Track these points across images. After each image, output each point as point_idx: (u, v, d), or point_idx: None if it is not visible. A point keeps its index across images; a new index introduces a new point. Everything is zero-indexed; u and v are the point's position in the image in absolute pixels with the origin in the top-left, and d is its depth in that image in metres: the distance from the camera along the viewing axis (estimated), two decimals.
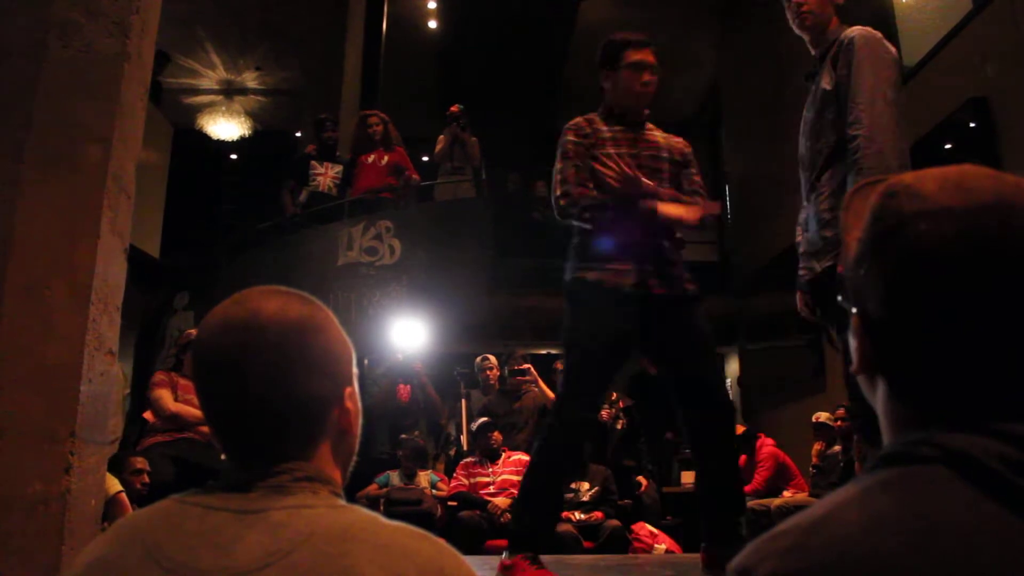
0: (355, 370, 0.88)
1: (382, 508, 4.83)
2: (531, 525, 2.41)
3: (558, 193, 2.54)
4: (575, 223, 2.54)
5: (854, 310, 0.66)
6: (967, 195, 0.59)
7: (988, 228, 0.57)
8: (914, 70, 5.51)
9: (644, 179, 2.44)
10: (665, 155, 2.61)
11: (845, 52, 2.17)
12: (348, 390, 0.85)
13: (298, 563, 0.68)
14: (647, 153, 2.59)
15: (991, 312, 0.56)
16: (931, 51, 5.38)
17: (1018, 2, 4.50)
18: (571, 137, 2.60)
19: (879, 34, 2.20)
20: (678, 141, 2.70)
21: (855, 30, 2.21)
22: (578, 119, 2.66)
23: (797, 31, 2.36)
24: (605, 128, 2.60)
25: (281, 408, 0.79)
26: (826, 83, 2.22)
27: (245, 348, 0.78)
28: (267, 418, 0.79)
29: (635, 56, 2.56)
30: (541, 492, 2.45)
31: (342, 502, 0.78)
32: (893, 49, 2.20)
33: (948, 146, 5.02)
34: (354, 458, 0.89)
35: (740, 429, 5.91)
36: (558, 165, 2.58)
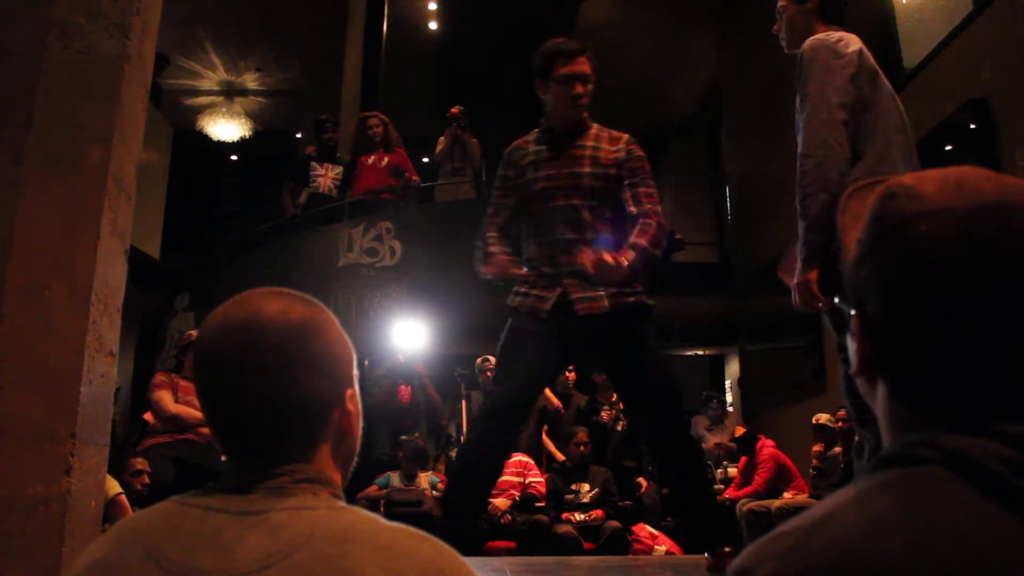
0: (356, 372, 0.88)
1: (382, 509, 4.83)
2: (457, 510, 2.43)
3: (478, 250, 2.59)
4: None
5: (853, 311, 0.66)
6: (968, 196, 0.59)
7: (989, 229, 0.57)
8: (914, 71, 5.52)
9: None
10: (587, 171, 2.50)
11: (798, 67, 2.16)
12: (349, 391, 0.85)
13: (298, 564, 0.68)
14: (566, 171, 2.51)
15: (991, 312, 0.56)
16: (931, 52, 5.38)
17: (1018, 3, 4.50)
18: (500, 172, 2.66)
19: (832, 37, 2.14)
20: (613, 151, 2.54)
21: (807, 42, 2.16)
22: (516, 142, 2.67)
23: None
24: (532, 149, 2.59)
25: (282, 409, 0.79)
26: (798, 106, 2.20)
27: (246, 349, 0.78)
28: (268, 419, 0.79)
29: (566, 67, 2.50)
30: (467, 472, 2.47)
31: (342, 503, 0.78)
32: (848, 49, 2.11)
33: (948, 147, 5.02)
34: (354, 460, 0.89)
35: (740, 431, 5.92)
36: (489, 210, 2.64)
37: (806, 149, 2.04)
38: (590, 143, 2.55)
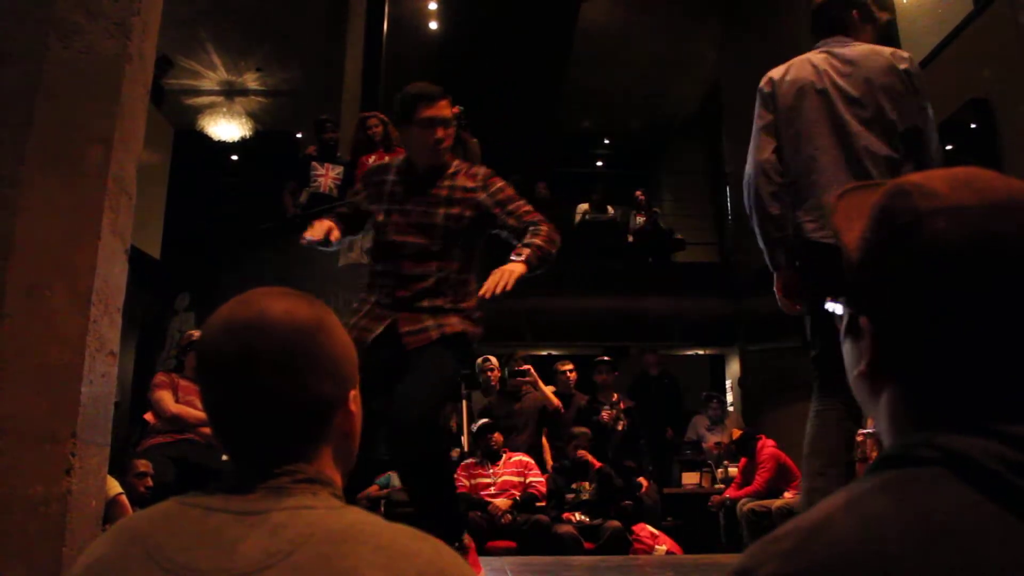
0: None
1: (383, 509, 4.82)
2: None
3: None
4: None
5: (855, 313, 0.66)
6: (980, 194, 0.59)
7: (1006, 225, 0.57)
8: None
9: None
10: (441, 211, 2.51)
11: None
12: (352, 393, 0.85)
13: (299, 564, 0.68)
14: (419, 209, 2.53)
15: (1006, 310, 0.56)
16: (932, 52, 5.38)
17: (1018, 3, 4.50)
18: (362, 179, 2.73)
19: (775, 72, 2.44)
20: (470, 189, 2.55)
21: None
22: (381, 163, 2.80)
23: None
24: (391, 179, 2.62)
25: (285, 409, 0.79)
26: None
27: (251, 348, 0.78)
28: (271, 419, 0.79)
29: (427, 112, 2.50)
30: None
31: (342, 503, 0.78)
32: (774, 76, 2.42)
33: (949, 147, 5.02)
34: (354, 460, 0.89)
35: (736, 433, 5.91)
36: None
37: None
38: (446, 183, 2.56)
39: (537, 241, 2.41)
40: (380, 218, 2.56)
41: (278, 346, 0.79)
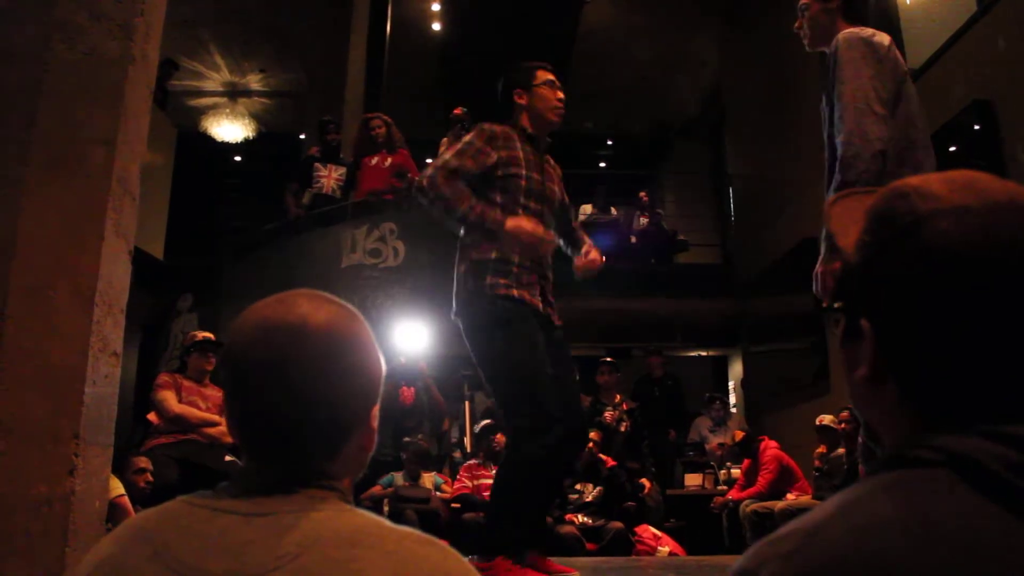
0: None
1: (387, 505, 4.81)
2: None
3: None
4: None
5: (853, 315, 0.66)
6: (980, 195, 0.59)
7: (1009, 226, 0.57)
8: (918, 72, 5.50)
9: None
10: (556, 186, 2.76)
11: (831, 61, 2.13)
12: (375, 409, 0.85)
13: (306, 567, 0.68)
14: (542, 180, 2.71)
15: (1008, 311, 0.56)
16: (935, 53, 5.37)
17: (1022, 4, 4.49)
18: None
19: (865, 32, 2.13)
20: (557, 170, 2.80)
21: (841, 35, 2.14)
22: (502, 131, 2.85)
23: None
24: (519, 146, 2.73)
25: (313, 418, 0.78)
26: (824, 101, 2.18)
27: (289, 352, 0.77)
28: (296, 426, 0.78)
29: (547, 75, 2.70)
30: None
31: (350, 507, 0.78)
32: (884, 45, 2.11)
33: (952, 148, 5.01)
34: (364, 470, 0.89)
35: (739, 435, 5.91)
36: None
37: (847, 138, 2.02)
38: (549, 161, 2.76)
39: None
40: (523, 183, 2.56)
41: (317, 354, 0.78)
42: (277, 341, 0.77)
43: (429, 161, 2.73)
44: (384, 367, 0.86)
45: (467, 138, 2.58)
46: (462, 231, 2.54)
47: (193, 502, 0.77)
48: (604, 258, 2.65)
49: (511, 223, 2.39)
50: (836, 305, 0.68)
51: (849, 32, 2.14)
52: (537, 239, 2.41)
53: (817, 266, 2.05)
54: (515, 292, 2.42)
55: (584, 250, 2.68)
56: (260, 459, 0.79)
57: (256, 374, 0.78)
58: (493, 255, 2.45)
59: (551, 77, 2.67)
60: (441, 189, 2.40)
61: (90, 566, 0.77)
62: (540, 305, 2.48)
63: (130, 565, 0.73)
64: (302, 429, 0.78)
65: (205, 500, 0.76)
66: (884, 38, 2.15)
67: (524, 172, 2.53)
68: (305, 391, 0.77)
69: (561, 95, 2.66)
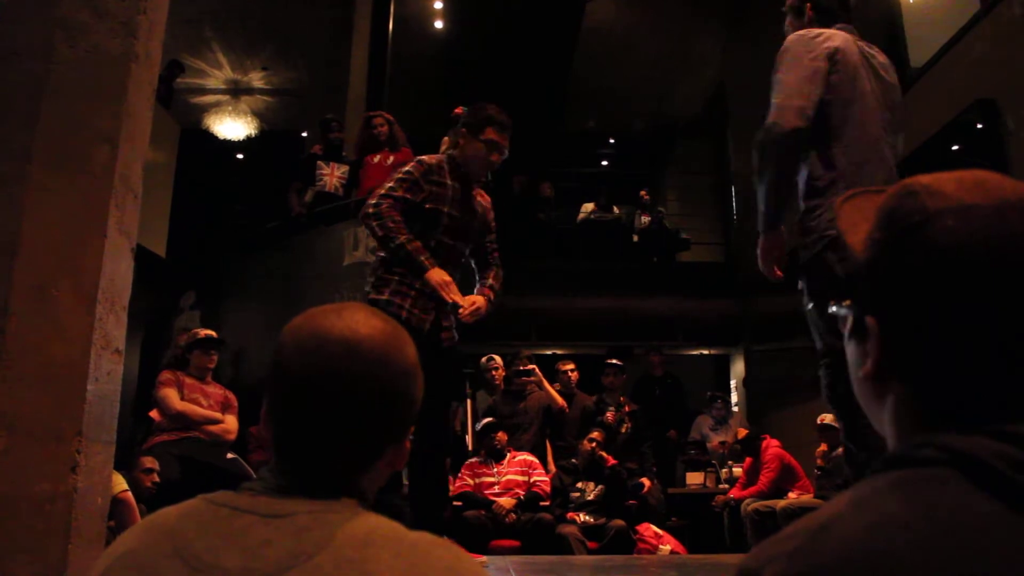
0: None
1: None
2: None
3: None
4: None
5: (858, 313, 0.65)
6: (990, 193, 0.59)
7: (1016, 225, 0.57)
8: (921, 71, 5.50)
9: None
10: (475, 223, 2.98)
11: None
12: (411, 429, 0.87)
13: (321, 566, 0.70)
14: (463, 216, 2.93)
15: (1016, 308, 0.56)
16: (938, 52, 5.36)
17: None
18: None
19: (810, 33, 2.23)
20: (485, 204, 3.03)
21: (788, 38, 2.27)
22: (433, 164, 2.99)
23: None
24: (448, 183, 2.91)
25: (355, 433, 0.80)
26: None
27: (341, 367, 0.79)
28: (338, 438, 0.79)
29: (495, 135, 2.83)
30: None
31: (365, 509, 0.79)
32: (823, 44, 2.19)
33: (955, 147, 5.01)
34: (384, 483, 0.89)
35: (742, 432, 5.91)
36: None
37: (768, 121, 2.17)
38: (476, 197, 3.00)
39: (497, 286, 2.92)
40: (444, 221, 2.80)
41: (367, 372, 0.79)
42: (330, 352, 0.79)
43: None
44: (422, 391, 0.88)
45: (408, 167, 2.85)
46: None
47: (214, 501, 0.78)
48: (486, 304, 2.80)
49: (434, 276, 2.66)
50: (844, 303, 0.68)
51: (794, 34, 2.28)
52: (446, 293, 2.67)
53: (759, 242, 2.18)
54: (403, 314, 2.66)
55: (476, 289, 2.92)
56: (293, 463, 0.80)
57: (305, 383, 0.79)
58: (396, 277, 2.74)
59: (497, 139, 2.82)
60: (386, 219, 2.68)
61: (112, 558, 0.78)
62: (427, 326, 2.71)
63: (149, 560, 0.75)
64: (342, 442, 0.80)
65: (226, 499, 0.78)
66: (833, 38, 2.22)
67: (446, 210, 2.79)
68: (351, 406, 0.79)
69: (496, 158, 2.84)
